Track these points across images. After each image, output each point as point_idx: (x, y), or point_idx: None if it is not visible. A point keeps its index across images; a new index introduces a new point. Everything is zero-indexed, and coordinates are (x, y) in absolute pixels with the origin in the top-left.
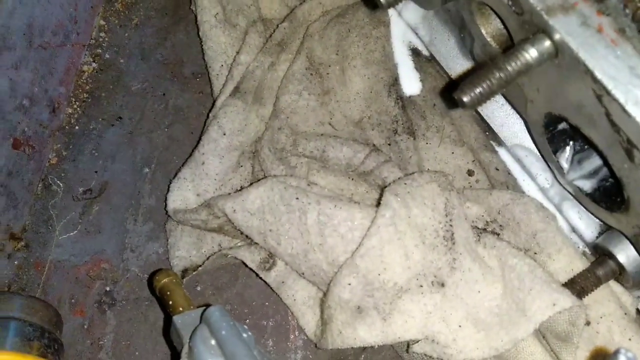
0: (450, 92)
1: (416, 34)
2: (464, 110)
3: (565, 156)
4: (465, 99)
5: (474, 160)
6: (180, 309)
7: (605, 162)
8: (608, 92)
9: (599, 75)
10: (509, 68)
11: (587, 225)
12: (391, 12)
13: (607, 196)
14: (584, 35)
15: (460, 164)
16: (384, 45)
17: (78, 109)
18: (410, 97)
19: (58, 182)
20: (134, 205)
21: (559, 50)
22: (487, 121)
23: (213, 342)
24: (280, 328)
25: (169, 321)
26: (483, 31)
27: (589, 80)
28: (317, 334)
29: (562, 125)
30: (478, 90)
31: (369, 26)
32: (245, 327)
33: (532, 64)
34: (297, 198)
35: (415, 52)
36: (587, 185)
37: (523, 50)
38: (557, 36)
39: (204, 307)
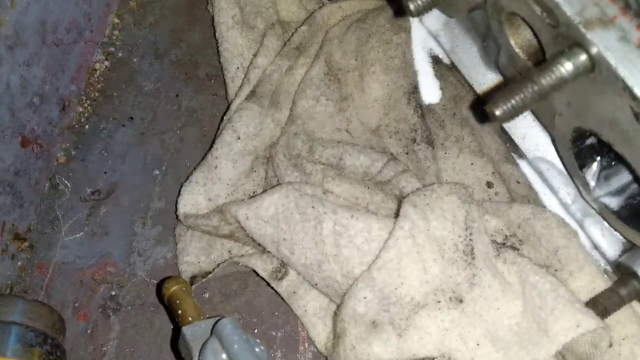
0: (479, 105)
1: (437, 41)
2: (494, 123)
3: (592, 172)
4: (497, 112)
5: (494, 172)
6: (190, 319)
7: (637, 179)
8: None
9: (638, 92)
10: (544, 82)
11: (609, 242)
12: (412, 18)
13: (636, 214)
14: (624, 50)
15: (480, 175)
16: (404, 52)
17: (89, 107)
18: (429, 105)
19: (66, 182)
20: (142, 208)
21: (596, 65)
22: (508, 132)
23: (224, 356)
24: (289, 339)
25: (177, 331)
26: (512, 42)
27: (627, 96)
28: (327, 347)
29: (591, 140)
30: (511, 103)
31: (390, 32)
32: (258, 341)
33: (567, 78)
34: (313, 207)
35: (435, 60)
36: (614, 202)
37: (558, 64)
38: (594, 50)
39: (216, 319)
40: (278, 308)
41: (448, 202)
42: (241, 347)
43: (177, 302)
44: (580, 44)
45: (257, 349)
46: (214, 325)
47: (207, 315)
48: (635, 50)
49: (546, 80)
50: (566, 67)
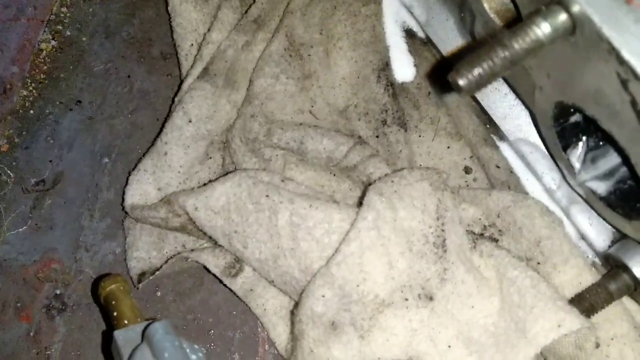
0: (443, 73)
1: (411, 13)
2: (460, 95)
3: (577, 153)
4: (461, 81)
5: (472, 156)
6: (126, 321)
7: (626, 161)
8: (636, 76)
9: (626, 55)
10: (516, 46)
11: (598, 232)
12: None
13: (625, 201)
14: (610, 7)
15: (457, 159)
16: (374, 25)
17: (34, 91)
18: (402, 83)
19: (8, 171)
20: (90, 199)
21: (577, 25)
22: (488, 112)
23: None
24: (248, 340)
25: (111, 335)
26: (486, 6)
27: (613, 61)
28: (288, 349)
29: (575, 118)
30: (477, 71)
31: (358, 3)
32: (196, 346)
33: (544, 41)
34: (267, 196)
35: (409, 34)
36: (602, 187)
37: (533, 25)
38: (575, 8)
39: (148, 322)
40: (236, 307)
41: (418, 190)
42: (172, 354)
43: (113, 302)
44: (559, 2)
45: (193, 356)
46: (144, 330)
47: (147, 318)
48: (623, 7)
49: (519, 44)
50: (542, 28)
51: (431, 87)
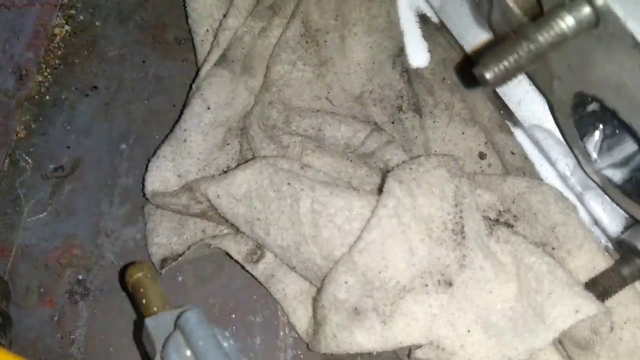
0: (467, 67)
1: None
2: (485, 88)
3: (593, 141)
4: (488, 75)
5: (486, 142)
6: (155, 309)
7: None
8: None
9: None
10: (541, 39)
11: (611, 218)
12: None
13: None
14: (633, 1)
15: (472, 145)
16: (388, 10)
17: (49, 76)
18: (417, 69)
19: (26, 157)
20: (109, 185)
21: (601, 19)
22: (503, 98)
23: (188, 352)
24: (269, 324)
25: (141, 322)
26: None
27: (637, 55)
28: (309, 333)
29: (593, 107)
30: (503, 65)
31: None
32: (227, 334)
33: (568, 34)
34: (289, 183)
35: (423, 19)
36: (618, 175)
37: (557, 18)
38: (599, 1)
39: (180, 310)
40: (256, 292)
41: (436, 176)
42: (206, 342)
43: (141, 290)
44: None
45: (225, 344)
46: (177, 318)
47: (175, 305)
48: None
49: (544, 37)
50: (567, 21)
51: (448, 74)
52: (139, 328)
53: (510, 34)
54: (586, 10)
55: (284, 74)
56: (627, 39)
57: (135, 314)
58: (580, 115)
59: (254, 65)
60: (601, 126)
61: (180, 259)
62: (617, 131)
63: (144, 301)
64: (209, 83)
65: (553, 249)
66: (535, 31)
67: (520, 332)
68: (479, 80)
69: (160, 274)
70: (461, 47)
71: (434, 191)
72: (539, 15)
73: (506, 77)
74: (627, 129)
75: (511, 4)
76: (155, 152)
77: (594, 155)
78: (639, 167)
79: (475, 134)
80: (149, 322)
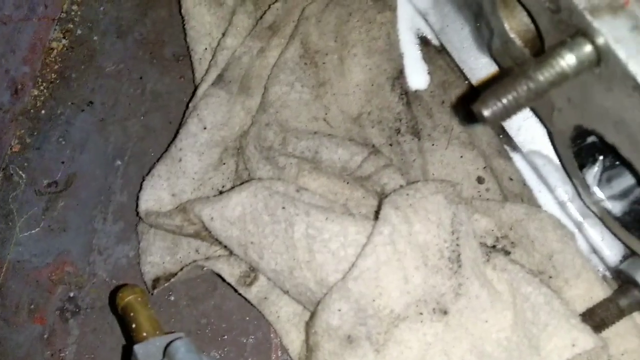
0: (467, 101)
1: (425, 20)
2: (484, 125)
3: (592, 173)
4: (486, 112)
5: (485, 167)
6: (144, 334)
7: None
8: None
9: None
10: (541, 78)
11: (610, 246)
12: None
13: None
14: (636, 41)
15: (470, 169)
16: (388, 32)
17: (45, 90)
18: (416, 91)
19: (20, 172)
20: (103, 201)
21: (602, 58)
22: (502, 123)
23: None
24: (261, 346)
25: (130, 347)
26: (506, 26)
27: (637, 97)
28: (301, 356)
29: (592, 138)
30: (502, 102)
31: (373, 10)
32: None
33: (569, 73)
34: (284, 207)
35: (423, 41)
36: (617, 207)
37: (558, 56)
38: (601, 41)
39: (170, 338)
40: (249, 313)
41: (433, 203)
42: None
43: (132, 314)
44: (585, 33)
45: None
46: (167, 346)
47: (167, 329)
48: None
49: (544, 76)
50: (567, 60)
51: (447, 97)
52: (127, 353)
53: (510, 70)
54: (588, 48)
55: (281, 95)
56: (628, 81)
57: (124, 338)
58: (580, 146)
59: (251, 86)
60: (601, 158)
61: (172, 279)
62: (617, 163)
63: (133, 325)
64: (206, 103)
65: (550, 277)
66: (535, 69)
67: None
68: (477, 117)
69: (152, 294)
70: (461, 71)
71: (430, 218)
72: (539, 48)
73: (505, 114)
74: (626, 165)
75: (512, 35)
76: (150, 171)
77: (593, 186)
78: (638, 200)
79: (473, 157)
80: (137, 348)
